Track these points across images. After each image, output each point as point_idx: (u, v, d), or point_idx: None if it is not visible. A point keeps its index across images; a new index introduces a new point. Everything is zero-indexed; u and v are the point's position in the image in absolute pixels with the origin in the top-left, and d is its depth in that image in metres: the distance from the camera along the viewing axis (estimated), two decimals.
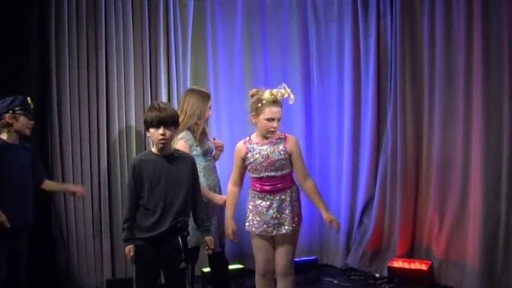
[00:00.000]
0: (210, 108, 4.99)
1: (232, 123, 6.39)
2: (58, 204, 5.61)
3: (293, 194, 4.49)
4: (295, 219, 4.46)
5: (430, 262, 5.77)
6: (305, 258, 6.16)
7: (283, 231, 4.42)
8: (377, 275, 6.07)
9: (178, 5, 6.09)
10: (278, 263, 4.49)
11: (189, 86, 6.06)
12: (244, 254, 6.31)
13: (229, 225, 4.53)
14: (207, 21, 6.29)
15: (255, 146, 4.45)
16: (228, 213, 4.57)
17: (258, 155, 4.41)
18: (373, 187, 6.30)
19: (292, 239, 4.48)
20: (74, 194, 5.16)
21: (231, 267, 5.75)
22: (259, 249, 4.52)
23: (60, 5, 5.59)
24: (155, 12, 5.95)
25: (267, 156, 4.40)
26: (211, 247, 4.29)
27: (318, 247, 6.59)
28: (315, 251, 6.49)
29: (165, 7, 6.00)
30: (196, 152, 4.81)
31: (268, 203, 4.44)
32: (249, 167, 4.49)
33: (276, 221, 4.43)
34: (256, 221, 4.48)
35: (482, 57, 5.25)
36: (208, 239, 4.27)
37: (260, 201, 4.47)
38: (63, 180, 5.61)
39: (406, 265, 5.82)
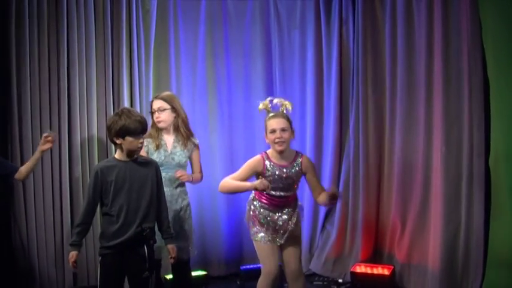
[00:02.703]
0: (154, 112, 4.96)
1: (195, 128, 6.31)
2: (18, 212, 5.50)
3: (297, 202, 4.65)
4: (300, 224, 4.64)
5: (393, 267, 5.82)
6: None
7: (293, 237, 4.56)
8: (340, 280, 6.09)
9: (141, 10, 6.03)
10: (291, 267, 4.61)
11: (151, 91, 6.04)
12: (207, 260, 6.31)
13: (257, 182, 4.40)
14: (170, 26, 6.26)
15: (274, 166, 4.48)
16: (247, 184, 4.49)
17: (276, 176, 4.46)
18: None
19: (300, 242, 4.66)
20: (47, 142, 4.87)
21: (194, 273, 5.76)
22: (269, 256, 4.55)
23: (20, 10, 5.49)
24: (118, 17, 5.89)
25: (286, 178, 4.47)
26: (173, 255, 4.26)
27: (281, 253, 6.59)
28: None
29: (128, 12, 5.93)
30: None
31: (278, 214, 4.52)
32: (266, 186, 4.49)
33: (285, 230, 4.52)
34: (267, 230, 4.53)
35: (443, 64, 5.34)
36: (171, 247, 4.25)
37: (269, 212, 4.53)
38: (24, 191, 5.51)
39: (368, 270, 5.85)
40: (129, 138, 4.03)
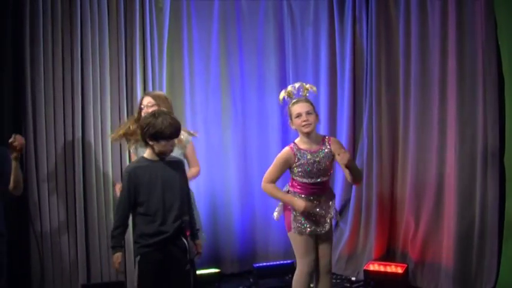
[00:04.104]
0: (143, 108, 4.87)
1: (208, 126, 6.39)
2: (33, 208, 5.52)
3: (332, 193, 4.66)
4: (336, 216, 4.68)
5: (406, 265, 5.80)
6: (281, 262, 6.16)
7: (324, 230, 4.56)
8: (353, 278, 6.08)
9: (155, 8, 6.04)
10: (323, 261, 4.62)
11: (164, 89, 6.05)
12: (220, 258, 6.32)
13: (301, 203, 4.45)
14: (183, 24, 6.28)
15: (304, 152, 4.50)
16: (287, 197, 4.54)
17: (310, 162, 4.47)
18: (349, 190, 6.32)
19: (332, 237, 4.69)
20: (14, 151, 4.21)
21: (207, 271, 5.79)
22: (309, 250, 4.58)
23: (35, 7, 5.51)
24: (131, 16, 5.90)
25: (318, 162, 4.48)
26: (199, 251, 4.31)
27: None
28: (291, 255, 6.40)
29: (141, 10, 5.94)
30: None
31: (316, 203, 4.52)
32: (298, 173, 4.51)
33: (323, 219, 4.55)
34: (306, 222, 4.53)
35: (457, 62, 5.32)
36: (199, 242, 4.30)
37: (308, 202, 4.52)
38: (38, 187, 5.54)
39: (382, 268, 5.83)
40: (162, 142, 4.04)
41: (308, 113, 4.48)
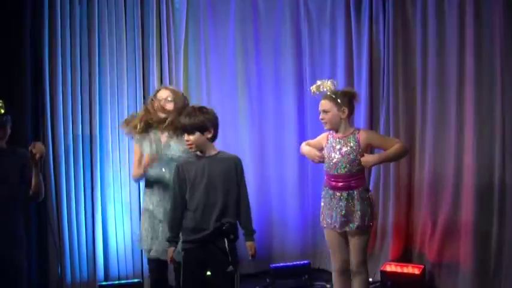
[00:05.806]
0: (161, 100, 4.68)
1: (225, 126, 6.32)
2: (50, 208, 5.56)
3: (363, 193, 4.51)
4: (365, 218, 4.48)
5: (423, 266, 5.77)
6: (297, 263, 6.15)
7: (348, 229, 4.48)
8: (370, 279, 6.05)
9: (171, 7, 6.07)
10: (350, 261, 4.58)
11: (181, 88, 6.05)
12: None
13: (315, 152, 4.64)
14: (200, 24, 6.28)
15: (332, 139, 4.55)
16: (312, 150, 4.68)
17: (331, 149, 4.52)
18: None
19: (361, 237, 4.52)
20: (35, 155, 4.11)
21: None
22: (332, 247, 4.62)
23: (53, 6, 5.56)
24: (148, 15, 5.93)
25: (339, 151, 4.48)
26: (251, 253, 4.26)
27: (311, 251, 6.57)
28: (308, 255, 6.47)
29: (158, 10, 5.97)
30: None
31: (336, 199, 4.49)
32: (324, 161, 4.58)
33: (344, 219, 4.47)
34: (329, 216, 4.54)
35: (475, 62, 5.28)
36: (249, 244, 4.25)
37: (331, 198, 4.53)
38: (56, 186, 5.59)
39: (399, 269, 5.80)
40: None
41: (323, 112, 4.49)
